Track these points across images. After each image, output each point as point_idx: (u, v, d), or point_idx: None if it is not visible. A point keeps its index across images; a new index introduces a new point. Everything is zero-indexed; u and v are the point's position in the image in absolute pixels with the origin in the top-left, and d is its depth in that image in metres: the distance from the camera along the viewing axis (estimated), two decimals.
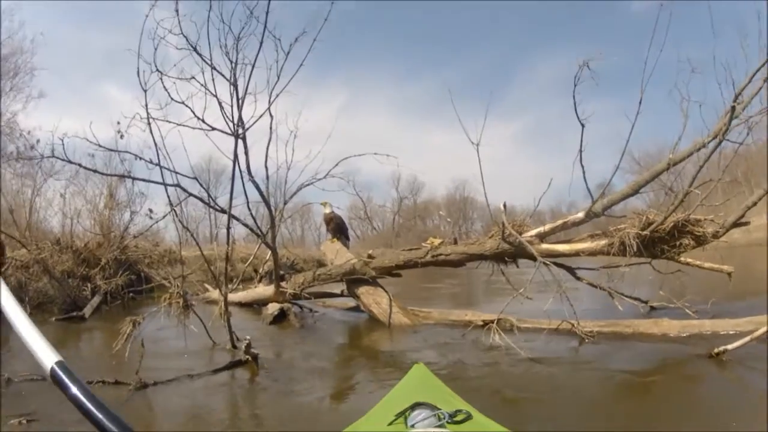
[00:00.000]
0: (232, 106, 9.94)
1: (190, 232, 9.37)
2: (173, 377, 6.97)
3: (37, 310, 14.01)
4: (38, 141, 9.48)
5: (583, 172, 9.39)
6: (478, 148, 9.77)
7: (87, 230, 18.32)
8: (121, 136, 10.02)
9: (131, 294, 15.76)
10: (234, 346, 8.55)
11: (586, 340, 8.57)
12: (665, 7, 8.86)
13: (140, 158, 9.71)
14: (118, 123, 9.91)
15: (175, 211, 10.59)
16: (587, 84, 8.76)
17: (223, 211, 11.28)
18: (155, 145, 9.25)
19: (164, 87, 9.72)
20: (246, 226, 11.92)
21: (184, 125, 10.00)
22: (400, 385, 4.23)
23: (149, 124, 8.96)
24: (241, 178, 10.76)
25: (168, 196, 9.71)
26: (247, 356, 7.53)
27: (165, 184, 9.75)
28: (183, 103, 9.92)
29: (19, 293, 14.04)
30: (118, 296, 15.69)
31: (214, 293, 15.22)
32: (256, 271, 16.81)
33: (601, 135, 8.87)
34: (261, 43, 10.30)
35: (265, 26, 10.34)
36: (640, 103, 8.93)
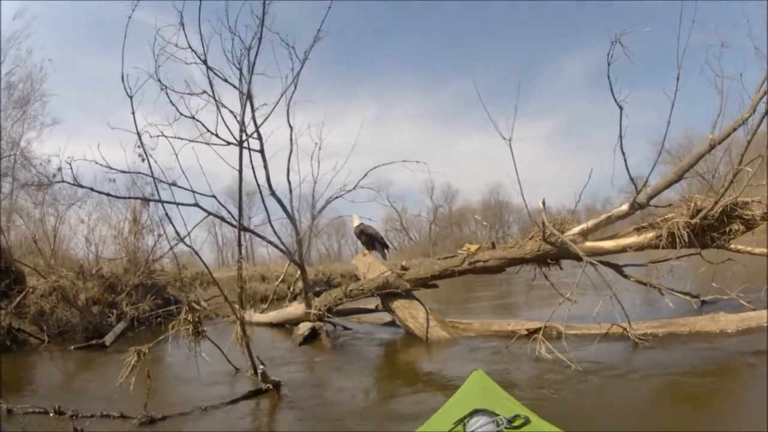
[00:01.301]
0: (243, 117, 9.58)
1: (195, 251, 8.81)
2: (186, 410, 6.49)
3: (58, 338, 13.79)
4: (60, 169, 8.93)
5: (625, 159, 8.87)
6: (510, 143, 9.24)
7: (111, 257, 18.14)
8: (143, 159, 9.37)
9: (159, 319, 15.04)
10: (256, 373, 7.89)
11: (640, 344, 7.92)
12: None
13: (154, 178, 9.29)
14: (139, 146, 9.24)
15: (178, 233, 10.09)
16: (616, 73, 8.26)
17: (243, 228, 10.87)
18: (150, 168, 8.80)
19: (171, 102, 9.64)
20: (269, 242, 11.52)
21: (195, 141, 9.75)
22: (459, 391, 4.29)
23: (139, 136, 8.51)
24: (260, 192, 10.40)
25: (182, 217, 9.18)
26: (267, 385, 7.01)
27: (180, 204, 9.35)
28: (193, 117, 9.73)
29: (39, 322, 14.01)
30: (146, 322, 15.18)
31: (245, 314, 14.82)
32: (291, 289, 16.14)
33: (628, 128, 8.25)
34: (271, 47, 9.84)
35: (262, 29, 10.05)
36: (677, 79, 8.40)
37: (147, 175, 9.26)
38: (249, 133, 9.89)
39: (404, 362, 9.28)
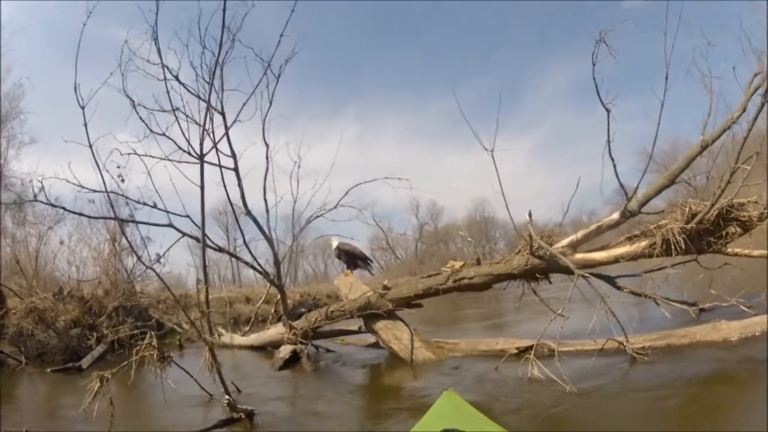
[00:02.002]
0: (203, 131, 9.42)
1: (156, 273, 8.64)
2: None
3: (37, 360, 13.64)
4: (42, 189, 8.65)
5: (614, 165, 8.58)
6: (493, 154, 9.01)
7: (89, 278, 18.14)
8: (122, 180, 9.53)
9: (139, 342, 14.64)
10: (230, 399, 7.49)
11: (638, 359, 7.51)
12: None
13: (126, 198, 9.40)
14: (118, 167, 9.40)
15: (158, 255, 9.78)
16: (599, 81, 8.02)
17: (219, 249, 10.61)
18: (119, 187, 9.09)
19: (141, 118, 9.53)
20: (246, 263, 11.29)
21: (166, 159, 9.67)
22: (430, 412, 4.45)
23: (91, 149, 8.12)
24: (234, 213, 10.11)
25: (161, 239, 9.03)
26: (239, 414, 6.59)
27: (153, 224, 9.61)
28: (164, 134, 9.53)
29: (18, 343, 13.99)
30: (126, 345, 14.71)
31: (226, 337, 14.62)
32: (274, 311, 15.82)
33: (613, 138, 8.03)
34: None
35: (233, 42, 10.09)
36: (666, 78, 8.16)
37: (117, 194, 9.29)
38: (219, 149, 9.74)
39: (388, 386, 8.81)
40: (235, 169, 10.30)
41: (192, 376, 8.07)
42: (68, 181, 8.88)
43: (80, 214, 9.86)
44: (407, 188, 11.92)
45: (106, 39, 8.61)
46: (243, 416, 6.57)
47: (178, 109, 9.66)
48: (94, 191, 9.23)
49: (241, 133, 10.85)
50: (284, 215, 13.09)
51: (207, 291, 8.69)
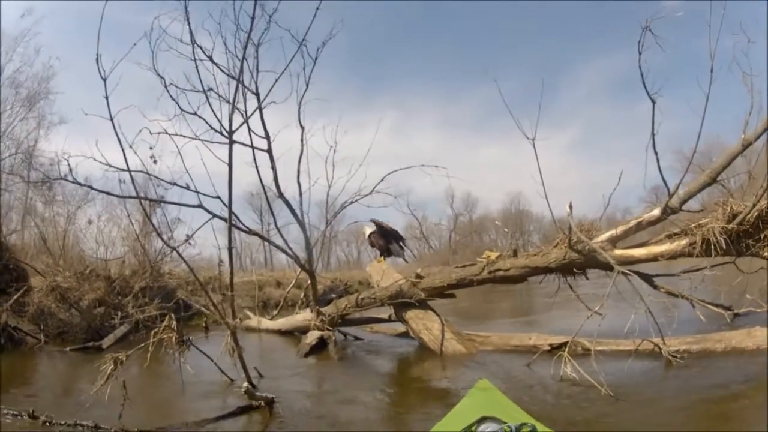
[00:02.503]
0: (232, 111, 9.23)
1: (179, 253, 8.55)
2: (163, 425, 6.00)
3: (58, 338, 13.58)
4: (71, 170, 8.57)
5: (657, 159, 8.24)
6: (534, 143, 8.75)
7: (116, 258, 18.03)
8: (154, 161, 9.46)
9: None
10: (252, 385, 7.32)
11: (674, 363, 7.22)
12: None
13: (150, 176, 9.30)
14: (151, 148, 9.33)
15: (187, 236, 9.65)
16: (635, 85, 7.79)
17: (249, 230, 10.42)
18: (145, 165, 8.90)
19: (172, 97, 9.35)
20: (276, 246, 11.09)
21: (195, 138, 9.49)
22: (464, 400, 4.60)
23: (113, 122, 7.86)
24: (266, 196, 9.94)
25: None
26: (258, 402, 6.38)
27: (182, 204, 9.58)
28: (195, 113, 9.29)
29: (38, 321, 13.86)
30: (151, 326, 14.61)
31: (254, 320, 14.49)
32: (303, 295, 15.69)
33: (645, 139, 7.76)
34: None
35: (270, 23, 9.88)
36: (711, 71, 7.79)
37: (145, 173, 9.23)
38: (253, 129, 9.62)
39: (415, 377, 8.60)
40: (269, 151, 10.14)
41: (213, 361, 7.97)
42: (95, 160, 8.73)
43: (108, 193, 9.62)
44: (443, 176, 11.68)
45: (139, 24, 8.43)
46: (263, 404, 6.40)
47: (210, 89, 9.51)
48: (122, 170, 8.96)
49: (276, 116, 10.77)
50: (318, 201, 13.04)
51: (231, 273, 8.58)
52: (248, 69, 9.91)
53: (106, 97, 7.77)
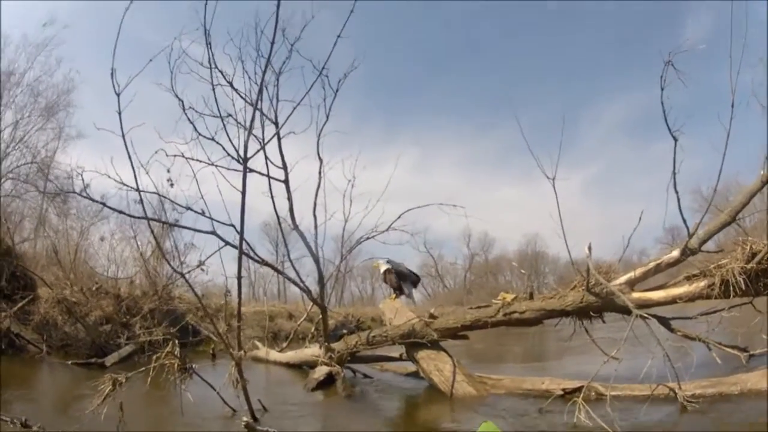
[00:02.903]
0: (247, 138, 8.92)
1: (185, 278, 8.40)
2: None
3: (61, 351, 13.73)
4: (85, 184, 8.57)
5: (678, 199, 8.02)
6: (554, 182, 8.65)
7: (127, 277, 18.53)
8: (171, 185, 9.76)
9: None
10: (254, 418, 7.29)
11: (689, 407, 6.92)
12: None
13: (161, 197, 9.61)
14: (168, 171, 9.57)
15: (200, 261, 9.59)
16: (654, 124, 7.69)
17: (261, 261, 10.32)
18: (155, 185, 8.79)
19: (189, 120, 9.26)
20: (288, 279, 11.01)
21: (211, 164, 9.45)
22: None
23: (124, 139, 7.91)
24: (280, 226, 9.87)
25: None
26: None
27: (197, 230, 9.36)
28: (212, 138, 9.29)
29: (42, 331, 14.05)
30: (158, 348, 14.56)
31: (262, 351, 14.52)
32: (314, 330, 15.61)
33: (663, 179, 7.64)
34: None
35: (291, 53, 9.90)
36: (732, 106, 7.58)
37: (158, 194, 9.25)
38: (269, 157, 9.66)
39: (423, 420, 8.42)
40: (285, 181, 10.09)
41: (216, 390, 7.87)
42: (108, 177, 8.56)
43: (120, 212, 9.46)
44: (461, 215, 11.56)
45: (159, 44, 8.41)
46: None
47: (229, 115, 9.47)
48: (134, 189, 8.89)
49: (295, 147, 10.79)
50: (334, 235, 12.86)
51: (239, 304, 8.41)
52: (268, 97, 9.91)
53: (119, 113, 7.77)
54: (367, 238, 12.27)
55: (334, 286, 14.16)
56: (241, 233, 8.31)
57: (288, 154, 10.19)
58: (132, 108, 7.75)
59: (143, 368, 7.22)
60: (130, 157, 7.92)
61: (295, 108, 10.14)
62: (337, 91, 10.61)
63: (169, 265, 10.88)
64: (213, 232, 8.85)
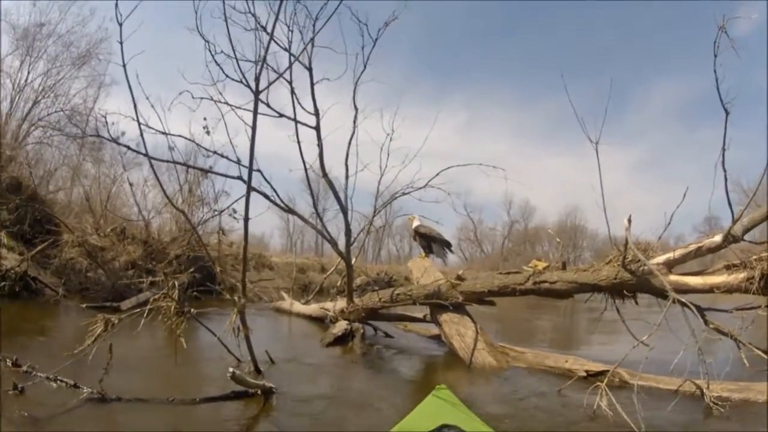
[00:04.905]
0: (259, 68, 8.40)
1: (190, 221, 8.11)
2: (146, 397, 5.89)
3: (78, 294, 13.68)
4: (123, 133, 8.77)
5: (725, 178, 7.39)
6: (597, 146, 8.05)
7: (161, 224, 18.76)
8: (207, 132, 9.60)
9: (194, 293, 14.22)
10: (258, 370, 7.24)
11: (715, 411, 6.46)
12: None
13: (190, 140, 9.35)
14: (205, 119, 9.51)
15: (234, 210, 9.42)
16: (700, 109, 7.15)
17: (288, 209, 10.08)
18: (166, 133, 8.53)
19: (216, 62, 8.74)
20: (313, 227, 10.84)
21: (239, 107, 8.97)
22: (420, 407, 4.65)
23: (125, 70, 7.60)
24: (306, 174, 9.65)
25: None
26: (255, 390, 6.16)
27: (223, 175, 9.27)
28: (241, 81, 8.91)
29: (61, 274, 14.19)
30: (182, 295, 14.39)
31: (286, 302, 14.77)
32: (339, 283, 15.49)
33: (707, 166, 7.19)
34: None
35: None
36: None
37: (179, 136, 9.01)
38: (302, 104, 9.63)
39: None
40: (317, 128, 9.85)
41: (218, 337, 7.75)
42: (133, 119, 8.22)
43: (145, 155, 8.99)
44: (501, 178, 11.18)
45: None
46: (259, 392, 6.17)
47: (263, 60, 9.04)
48: (162, 133, 8.62)
49: (334, 99, 10.51)
50: (371, 191, 12.56)
51: (245, 248, 8.07)
52: (302, 42, 9.64)
53: (121, 42, 7.54)
54: (403, 194, 12.00)
55: (366, 241, 13.85)
56: (249, 169, 7.95)
57: (326, 104, 10.03)
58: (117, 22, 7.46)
59: (137, 309, 7.09)
60: (131, 89, 7.69)
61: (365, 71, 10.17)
62: (376, 40, 10.38)
63: (179, 210, 10.53)
64: (240, 177, 8.56)
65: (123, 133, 8.37)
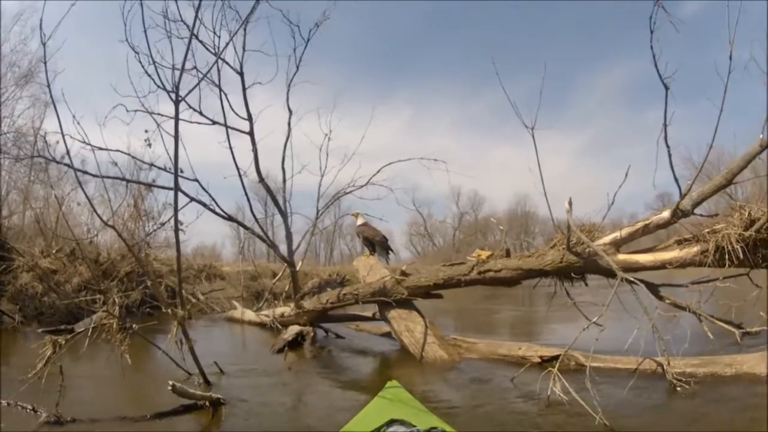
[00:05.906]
0: (182, 69, 7.97)
1: (117, 231, 8.06)
2: (100, 416, 5.87)
3: (34, 320, 13.83)
4: (68, 152, 8.30)
5: (669, 154, 7.29)
6: (533, 132, 8.03)
7: (109, 242, 18.39)
8: (149, 145, 9.16)
9: (147, 309, 14.33)
10: (207, 381, 7.10)
11: (678, 388, 6.32)
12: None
13: (132, 157, 9.62)
14: (146, 131, 8.97)
15: (179, 221, 9.26)
16: (648, 91, 7.09)
17: (228, 217, 10.02)
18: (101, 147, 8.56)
19: (147, 74, 8.49)
20: (253, 233, 10.86)
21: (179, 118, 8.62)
22: (373, 402, 4.85)
23: (50, 90, 7.92)
24: (240, 180, 9.51)
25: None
26: (203, 402, 6.01)
27: (160, 187, 9.56)
28: (174, 91, 8.43)
29: (16, 301, 14.27)
30: (135, 312, 14.68)
31: (238, 311, 14.86)
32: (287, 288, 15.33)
33: (654, 146, 7.00)
34: None
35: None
36: (730, 57, 6.74)
37: (120, 151, 9.12)
38: (236, 110, 9.76)
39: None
40: (251, 133, 9.91)
41: (163, 350, 7.56)
42: (71, 138, 8.05)
43: (84, 172, 8.96)
44: (445, 171, 11.23)
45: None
46: (207, 404, 6.02)
47: (194, 68, 8.89)
48: (100, 149, 8.60)
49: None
50: (313, 193, 12.49)
51: (178, 258, 7.83)
52: (233, 47, 9.63)
53: (45, 62, 7.61)
54: (345, 193, 12.30)
55: (316, 244, 13.78)
56: (175, 173, 7.72)
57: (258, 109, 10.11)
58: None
59: (82, 330, 6.94)
60: (55, 107, 7.69)
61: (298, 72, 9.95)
62: (308, 40, 10.70)
63: (107, 226, 10.35)
64: (178, 189, 8.30)
65: (67, 152, 8.06)
